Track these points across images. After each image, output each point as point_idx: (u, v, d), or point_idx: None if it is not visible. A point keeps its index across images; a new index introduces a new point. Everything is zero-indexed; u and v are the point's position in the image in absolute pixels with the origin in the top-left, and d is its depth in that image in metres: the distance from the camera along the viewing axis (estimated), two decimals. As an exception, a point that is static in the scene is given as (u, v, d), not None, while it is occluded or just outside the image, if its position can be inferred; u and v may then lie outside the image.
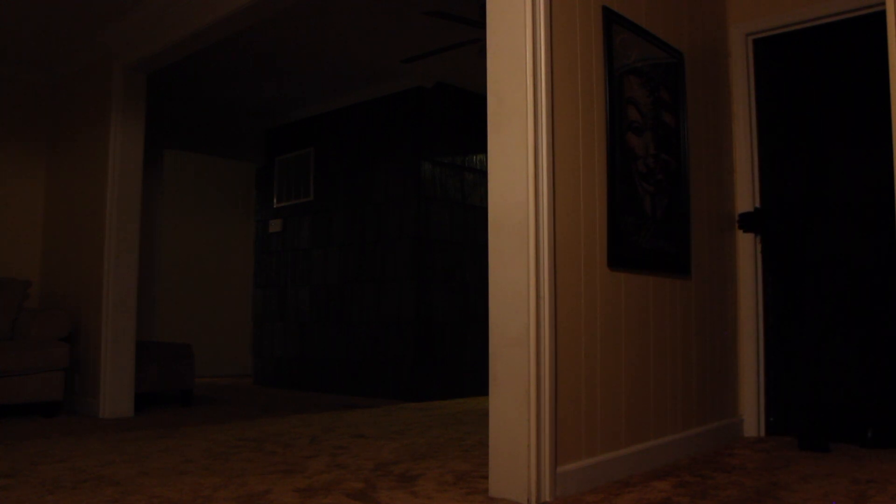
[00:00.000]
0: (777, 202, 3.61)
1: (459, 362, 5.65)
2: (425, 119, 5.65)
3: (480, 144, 5.71)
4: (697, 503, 2.21)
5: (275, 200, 6.75)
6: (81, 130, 4.90)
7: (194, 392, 5.15)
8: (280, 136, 6.82)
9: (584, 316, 2.50)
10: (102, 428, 3.88)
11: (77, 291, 4.73)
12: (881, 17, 2.89)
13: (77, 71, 5.03)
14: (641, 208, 2.84)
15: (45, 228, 5.22)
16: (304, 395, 5.73)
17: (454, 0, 4.20)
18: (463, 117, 5.91)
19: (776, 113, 3.64)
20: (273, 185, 6.79)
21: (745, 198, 3.58)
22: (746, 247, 3.56)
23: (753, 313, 3.52)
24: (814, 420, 3.27)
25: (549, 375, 2.28)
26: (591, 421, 2.50)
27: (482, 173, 5.94)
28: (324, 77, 5.73)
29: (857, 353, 3.35)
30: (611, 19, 2.73)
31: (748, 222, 3.52)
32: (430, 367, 5.45)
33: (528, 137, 2.31)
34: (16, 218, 5.16)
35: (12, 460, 2.93)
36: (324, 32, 4.85)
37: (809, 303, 3.49)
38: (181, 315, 7.41)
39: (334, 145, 6.26)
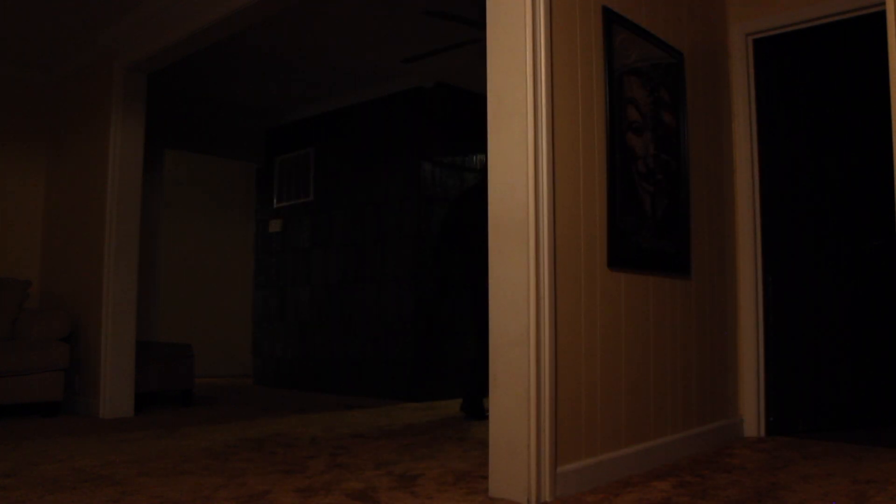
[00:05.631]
0: None
1: (459, 362, 5.65)
2: (425, 119, 5.65)
3: (480, 144, 5.70)
4: (697, 503, 2.21)
5: (275, 200, 6.75)
6: (81, 130, 4.90)
7: (194, 392, 5.15)
8: (280, 136, 6.82)
9: (584, 316, 2.50)
10: (102, 428, 3.88)
11: (77, 291, 4.73)
12: (881, 17, 2.89)
13: (77, 71, 5.03)
14: (641, 208, 2.84)
15: (45, 228, 5.22)
16: (304, 395, 5.72)
17: (454, 0, 4.20)
18: (463, 117, 5.90)
19: (776, 113, 3.65)
20: (273, 185, 6.79)
21: (746, 198, 3.58)
22: (746, 247, 3.56)
23: (753, 313, 3.52)
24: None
25: (549, 375, 2.28)
26: (591, 421, 2.50)
27: (482, 173, 5.93)
28: (324, 77, 5.73)
29: None
30: (611, 19, 2.72)
31: None
32: (430, 367, 5.45)
33: (528, 137, 2.31)
34: (16, 218, 5.16)
35: (12, 460, 2.93)
36: (324, 32, 4.85)
37: None
38: (181, 315, 7.41)
39: (334, 145, 6.26)
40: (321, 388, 6.04)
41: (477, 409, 4.22)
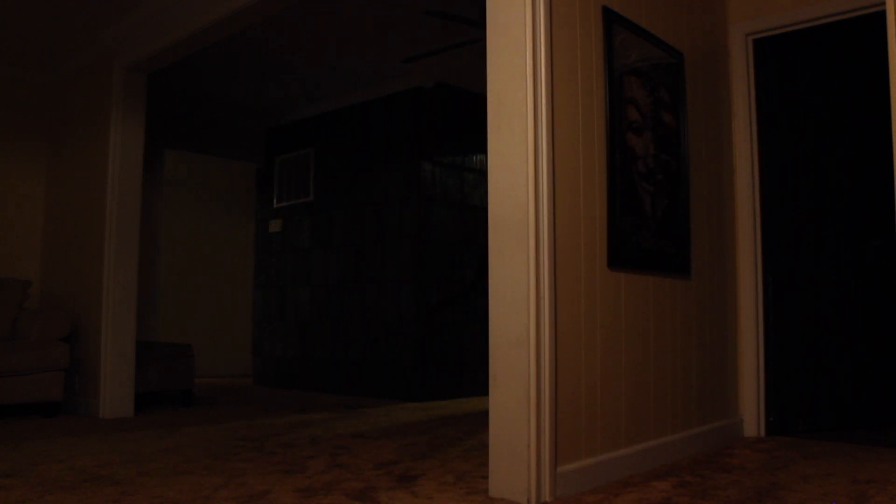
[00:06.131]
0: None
1: (459, 362, 5.65)
2: (425, 119, 5.65)
3: (480, 144, 5.71)
4: (697, 503, 2.21)
5: (275, 200, 6.75)
6: (81, 130, 4.90)
7: (194, 392, 5.15)
8: (280, 136, 6.82)
9: (584, 316, 2.50)
10: (102, 428, 3.88)
11: (77, 291, 4.73)
12: (881, 17, 2.89)
13: (77, 71, 5.03)
14: (641, 208, 2.84)
15: (45, 228, 5.22)
16: (305, 395, 5.73)
17: (454, 0, 4.20)
18: (463, 117, 5.91)
19: (776, 113, 3.65)
20: (273, 185, 6.79)
21: (746, 198, 3.58)
22: (746, 247, 3.56)
23: (753, 313, 3.52)
24: None
25: (549, 375, 2.28)
26: (591, 421, 2.50)
27: (482, 173, 5.94)
28: (324, 77, 5.73)
29: None
30: (611, 19, 2.73)
31: None
32: (430, 367, 5.45)
33: (528, 137, 2.32)
34: (16, 218, 5.16)
35: (12, 460, 2.93)
36: (324, 32, 4.85)
37: None
38: (181, 315, 7.41)
39: (334, 145, 6.26)
40: (321, 388, 6.05)
41: None
